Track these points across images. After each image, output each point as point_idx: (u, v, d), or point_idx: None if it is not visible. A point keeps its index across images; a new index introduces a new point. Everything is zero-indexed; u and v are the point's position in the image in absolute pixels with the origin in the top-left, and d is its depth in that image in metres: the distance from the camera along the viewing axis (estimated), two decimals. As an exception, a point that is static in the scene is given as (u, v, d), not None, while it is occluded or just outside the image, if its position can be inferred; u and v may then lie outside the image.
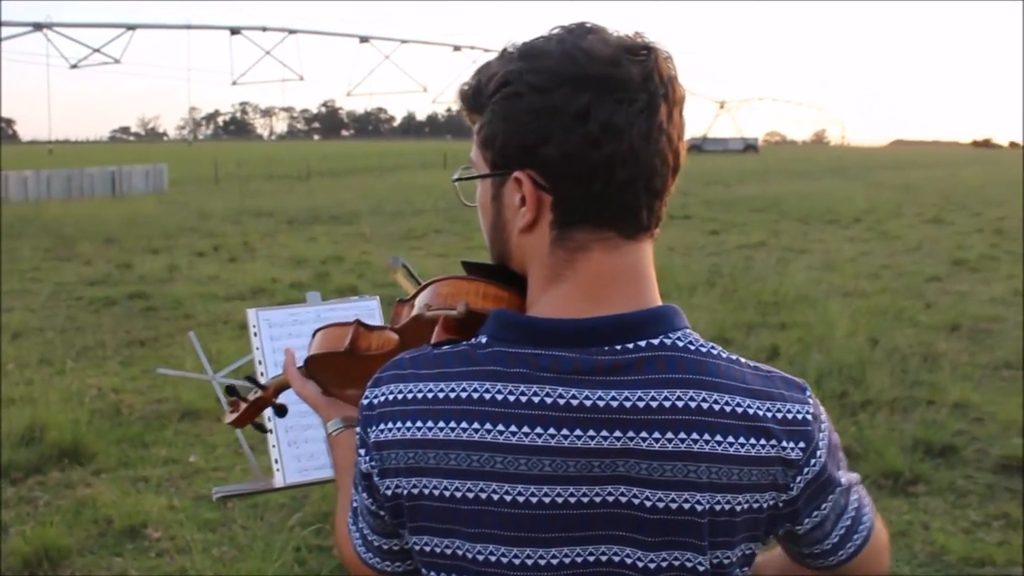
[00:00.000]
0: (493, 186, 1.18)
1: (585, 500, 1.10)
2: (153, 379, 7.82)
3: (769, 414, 1.12)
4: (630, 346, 1.10)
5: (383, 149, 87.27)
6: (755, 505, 1.12)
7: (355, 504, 1.26)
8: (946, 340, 9.15)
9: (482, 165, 1.19)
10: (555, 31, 1.14)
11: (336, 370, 1.47)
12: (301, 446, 2.02)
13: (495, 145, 1.14)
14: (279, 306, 2.14)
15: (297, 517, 5.03)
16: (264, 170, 49.14)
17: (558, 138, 1.08)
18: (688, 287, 11.55)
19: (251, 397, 1.75)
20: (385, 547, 1.24)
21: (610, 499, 1.10)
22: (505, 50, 1.16)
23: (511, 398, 1.10)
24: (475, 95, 1.17)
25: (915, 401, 7.07)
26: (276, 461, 2.06)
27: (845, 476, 1.22)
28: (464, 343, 1.16)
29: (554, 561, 1.11)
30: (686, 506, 1.09)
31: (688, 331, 1.14)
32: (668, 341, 1.12)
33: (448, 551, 1.14)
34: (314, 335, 1.50)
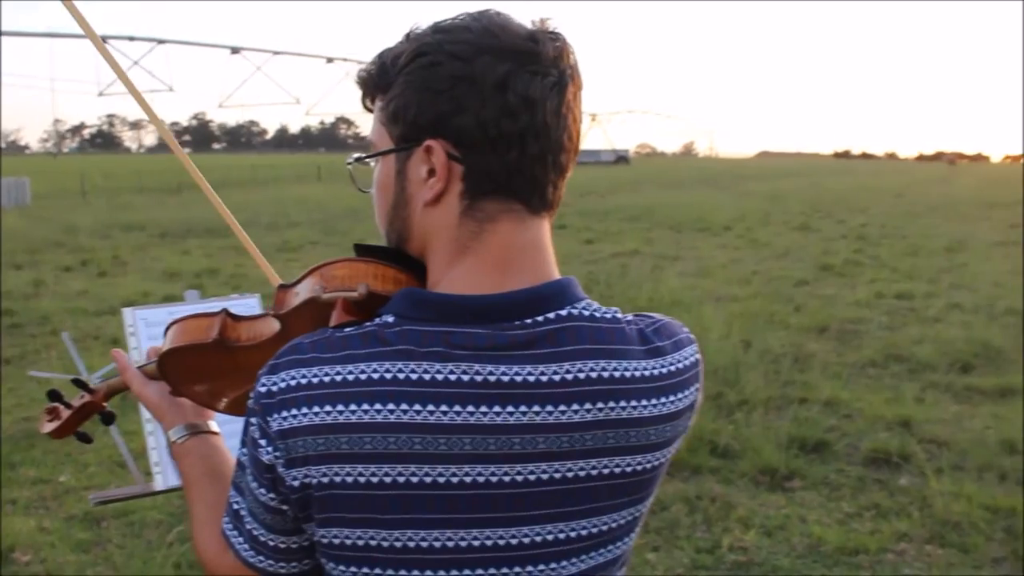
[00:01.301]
0: (398, 161, 1.16)
1: (507, 479, 1.09)
2: (19, 397, 7.52)
3: (673, 368, 1.17)
4: (540, 319, 1.11)
5: (256, 162, 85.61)
6: (667, 457, 1.19)
7: (237, 506, 1.19)
8: (815, 341, 9.47)
9: (386, 143, 1.17)
10: (462, 15, 1.14)
11: (195, 365, 1.37)
12: None
13: (407, 116, 1.12)
14: (157, 305, 2.07)
15: (176, 532, 4.88)
16: (134, 183, 47.80)
17: (475, 107, 1.08)
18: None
19: (76, 403, 1.59)
20: (283, 546, 1.16)
21: (532, 477, 1.10)
22: (411, 32, 1.15)
23: (426, 377, 1.07)
24: (380, 73, 1.16)
25: (788, 400, 7.27)
26: (156, 464, 2.00)
27: None
28: (369, 324, 1.11)
29: (475, 543, 1.10)
30: (605, 471, 1.12)
31: (590, 301, 1.17)
32: (575, 311, 1.13)
33: (360, 542, 1.09)
34: (168, 329, 1.39)
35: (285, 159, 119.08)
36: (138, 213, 28.10)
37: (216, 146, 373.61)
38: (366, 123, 1.23)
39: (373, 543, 1.09)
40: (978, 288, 12.83)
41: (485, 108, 1.08)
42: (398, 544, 1.08)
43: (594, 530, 1.14)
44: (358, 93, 1.21)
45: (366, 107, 1.21)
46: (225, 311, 1.35)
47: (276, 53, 58.55)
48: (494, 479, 1.09)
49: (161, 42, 49.34)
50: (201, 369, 1.37)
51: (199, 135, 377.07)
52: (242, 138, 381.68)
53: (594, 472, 1.11)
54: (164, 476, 1.96)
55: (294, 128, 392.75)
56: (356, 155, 1.24)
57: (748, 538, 4.92)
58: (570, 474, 1.10)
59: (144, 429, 1.96)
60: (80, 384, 1.59)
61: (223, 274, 14.76)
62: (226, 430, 1.47)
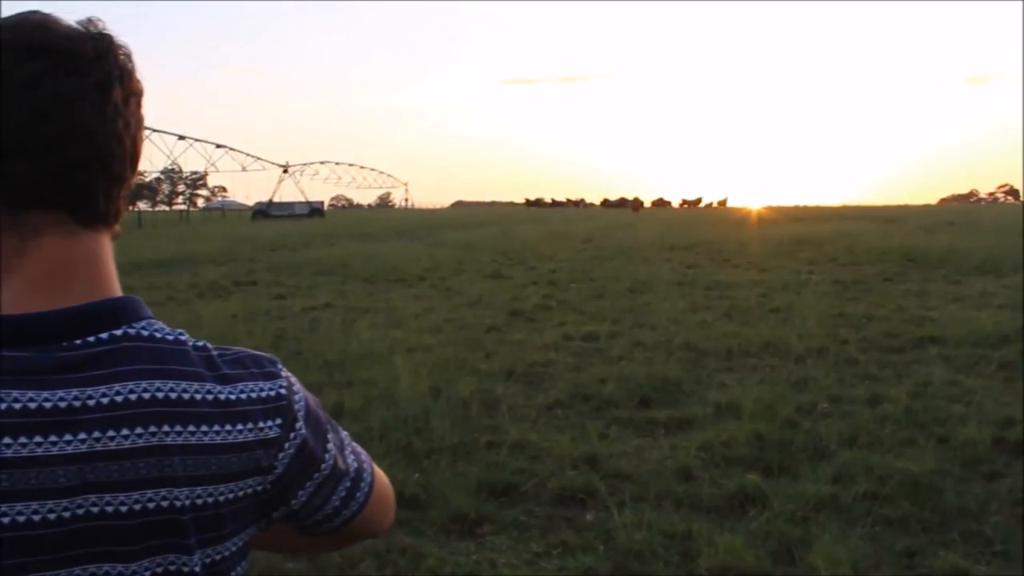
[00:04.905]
0: None
1: (52, 517, 0.98)
2: None
3: (243, 396, 1.10)
4: (92, 339, 1.03)
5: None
6: (240, 494, 1.09)
7: None
8: (504, 385, 9.56)
9: None
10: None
11: None
12: None
13: None
14: None
15: None
16: None
17: (4, 110, 1.00)
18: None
19: None
20: None
21: (80, 512, 0.99)
22: None
23: None
24: None
25: (477, 445, 7.27)
26: None
27: (334, 439, 1.21)
28: None
29: None
30: (164, 504, 1.03)
31: (153, 320, 1.10)
32: (132, 331, 1.06)
33: None
34: None
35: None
36: None
37: None
38: None
39: None
40: (658, 326, 13.49)
41: (14, 111, 1.00)
42: None
43: (159, 569, 1.04)
44: None
45: None
46: None
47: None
48: (37, 518, 0.97)
49: None
50: None
51: None
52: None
53: (151, 505, 1.02)
54: None
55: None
56: None
57: (438, 589, 4.80)
58: (123, 508, 1.01)
59: None
60: None
61: None
62: None
